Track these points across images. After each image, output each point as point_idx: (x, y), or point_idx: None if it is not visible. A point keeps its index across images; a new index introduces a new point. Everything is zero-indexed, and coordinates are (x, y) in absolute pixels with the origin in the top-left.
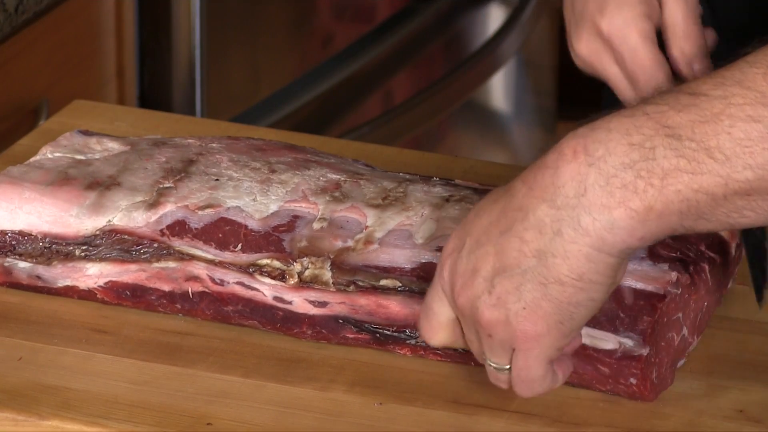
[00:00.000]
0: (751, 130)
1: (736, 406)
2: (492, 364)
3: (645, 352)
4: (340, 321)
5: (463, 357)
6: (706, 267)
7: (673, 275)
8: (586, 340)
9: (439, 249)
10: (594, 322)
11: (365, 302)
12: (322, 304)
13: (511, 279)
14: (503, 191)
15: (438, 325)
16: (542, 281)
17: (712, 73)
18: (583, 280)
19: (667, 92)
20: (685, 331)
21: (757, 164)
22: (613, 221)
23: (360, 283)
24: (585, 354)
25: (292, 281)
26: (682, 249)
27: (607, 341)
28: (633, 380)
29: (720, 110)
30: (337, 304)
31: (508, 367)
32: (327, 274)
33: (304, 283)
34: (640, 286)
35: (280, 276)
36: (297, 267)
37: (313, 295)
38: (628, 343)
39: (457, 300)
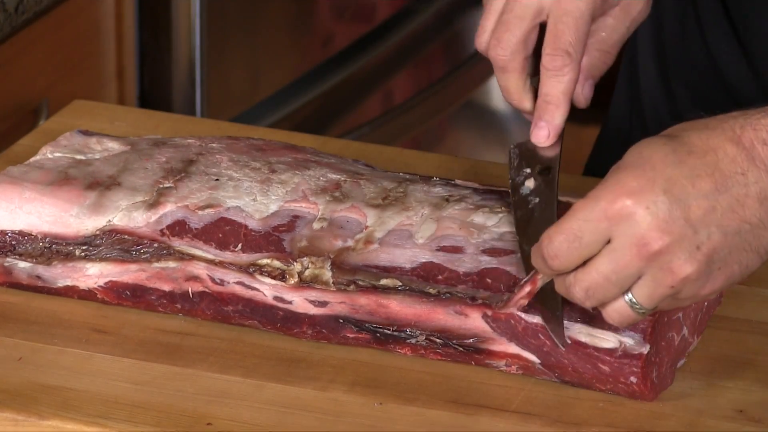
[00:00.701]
0: None
1: (736, 406)
2: (637, 307)
3: (645, 350)
4: (341, 321)
5: (463, 357)
6: None
7: None
8: (586, 339)
9: (440, 249)
10: (594, 321)
11: (365, 302)
12: (323, 304)
13: (723, 239)
14: (699, 147)
15: (579, 256)
16: (747, 248)
17: None
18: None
19: None
20: (685, 331)
21: None
22: None
23: (360, 283)
24: (585, 353)
25: (292, 281)
26: None
27: (608, 340)
28: (633, 379)
29: None
30: (338, 303)
31: (651, 311)
32: (327, 274)
33: (304, 283)
34: None
35: (281, 276)
36: (297, 267)
37: (314, 295)
38: (629, 341)
39: (649, 244)
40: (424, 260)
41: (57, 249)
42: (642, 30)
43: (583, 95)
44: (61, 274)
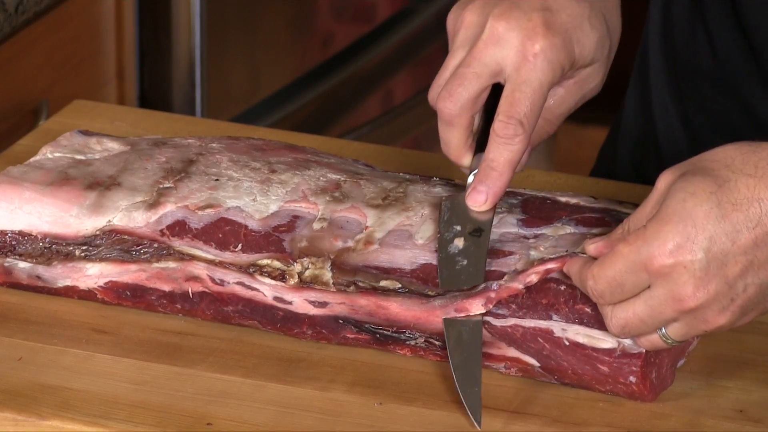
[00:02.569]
0: None
1: (736, 406)
2: (670, 340)
3: (644, 350)
4: (341, 321)
5: None
6: None
7: None
8: (584, 340)
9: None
10: (593, 322)
11: (365, 303)
12: (323, 305)
13: (758, 289)
14: (746, 198)
15: (620, 298)
16: None
17: None
18: None
19: None
20: None
21: None
22: None
23: (360, 284)
24: (584, 354)
25: (292, 281)
26: None
27: (606, 341)
28: (632, 379)
29: None
30: (337, 304)
31: (681, 342)
32: (327, 275)
33: (304, 284)
34: None
35: (281, 276)
36: (297, 267)
37: (313, 296)
38: (627, 342)
39: (684, 300)
40: (423, 261)
41: (57, 249)
42: (653, 34)
43: (521, 163)
44: (61, 274)
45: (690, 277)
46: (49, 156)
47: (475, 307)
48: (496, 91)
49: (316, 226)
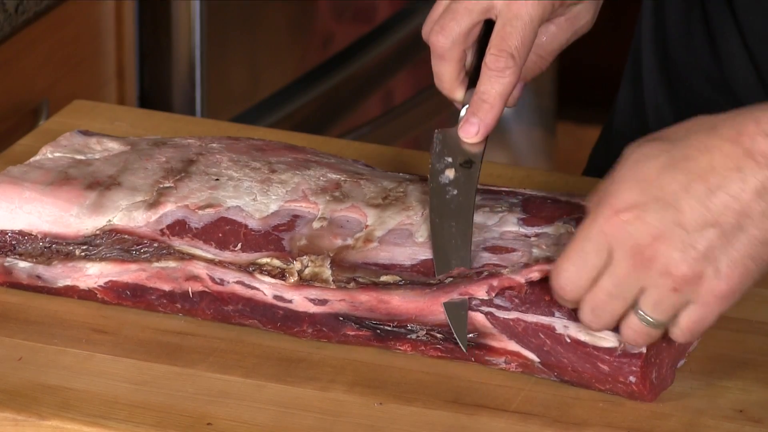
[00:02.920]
0: None
1: (736, 406)
2: (649, 319)
3: (644, 349)
4: (341, 318)
5: (463, 355)
6: None
7: None
8: (585, 338)
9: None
10: None
11: (366, 298)
12: (323, 302)
13: (721, 235)
14: (697, 150)
15: (586, 278)
16: (754, 242)
17: None
18: None
19: None
20: None
21: None
22: None
23: (360, 280)
24: (585, 352)
25: (292, 279)
26: None
27: (607, 339)
28: (632, 378)
29: None
30: (338, 301)
31: (665, 323)
32: (327, 272)
33: (303, 281)
34: None
35: (280, 274)
36: (297, 265)
37: (313, 293)
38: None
39: (643, 251)
40: (424, 258)
41: (57, 249)
42: (645, 32)
43: (513, 96)
44: (61, 274)
45: (645, 227)
46: (49, 156)
47: (480, 293)
48: (489, 29)
49: (316, 225)
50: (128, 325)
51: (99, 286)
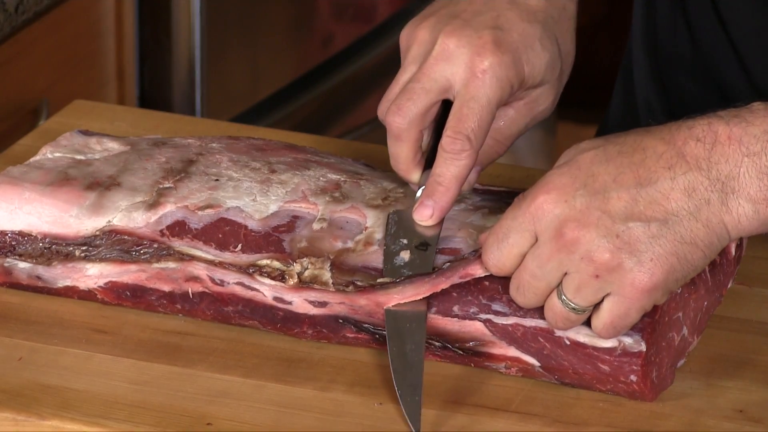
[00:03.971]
0: None
1: (736, 406)
2: (568, 302)
3: (644, 348)
4: (340, 321)
5: (462, 359)
6: (707, 267)
7: None
8: (585, 339)
9: (439, 251)
10: None
11: (365, 302)
12: (322, 304)
13: (646, 228)
14: (630, 147)
15: (509, 256)
16: (679, 239)
17: None
18: (710, 249)
19: None
20: (685, 330)
21: None
22: (756, 212)
23: (359, 283)
24: (585, 352)
25: (291, 281)
26: None
27: (607, 339)
28: (633, 377)
29: None
30: (337, 304)
31: (587, 308)
32: (326, 275)
33: (303, 284)
34: None
35: (280, 276)
36: (297, 267)
37: (313, 295)
38: (628, 340)
39: (565, 234)
40: None
41: (57, 249)
42: (635, 30)
43: (468, 181)
44: (61, 275)
45: (570, 210)
46: (49, 156)
47: (479, 271)
48: (447, 109)
49: (316, 226)
50: (128, 325)
51: (99, 286)
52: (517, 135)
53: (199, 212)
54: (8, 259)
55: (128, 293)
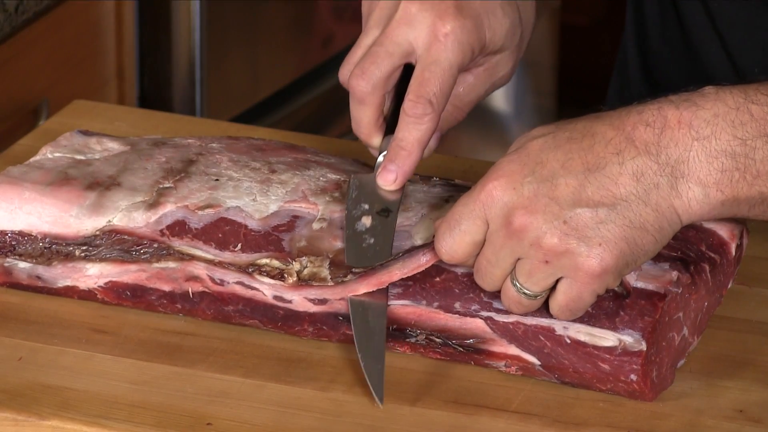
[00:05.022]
0: None
1: (736, 406)
2: (522, 289)
3: (645, 347)
4: (340, 318)
5: (462, 356)
6: (707, 267)
7: (674, 274)
8: (585, 338)
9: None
10: (594, 320)
11: (365, 289)
12: (322, 302)
13: (594, 214)
14: (580, 133)
15: (461, 243)
16: (628, 224)
17: None
18: (660, 234)
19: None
20: (685, 331)
21: None
22: (706, 196)
23: (356, 271)
24: (585, 352)
25: (291, 280)
26: (683, 249)
27: (607, 338)
28: (633, 377)
29: None
30: (337, 301)
31: (539, 294)
32: (325, 272)
33: (302, 281)
34: (640, 285)
35: (279, 275)
36: (296, 266)
37: (313, 293)
38: (628, 339)
39: (514, 221)
40: None
41: (57, 249)
42: (628, 23)
43: (429, 147)
44: (61, 275)
45: (518, 198)
46: (49, 156)
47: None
48: (408, 74)
49: (316, 226)
50: (128, 325)
51: (99, 286)
52: (476, 101)
53: (199, 212)
54: (8, 259)
55: (128, 293)
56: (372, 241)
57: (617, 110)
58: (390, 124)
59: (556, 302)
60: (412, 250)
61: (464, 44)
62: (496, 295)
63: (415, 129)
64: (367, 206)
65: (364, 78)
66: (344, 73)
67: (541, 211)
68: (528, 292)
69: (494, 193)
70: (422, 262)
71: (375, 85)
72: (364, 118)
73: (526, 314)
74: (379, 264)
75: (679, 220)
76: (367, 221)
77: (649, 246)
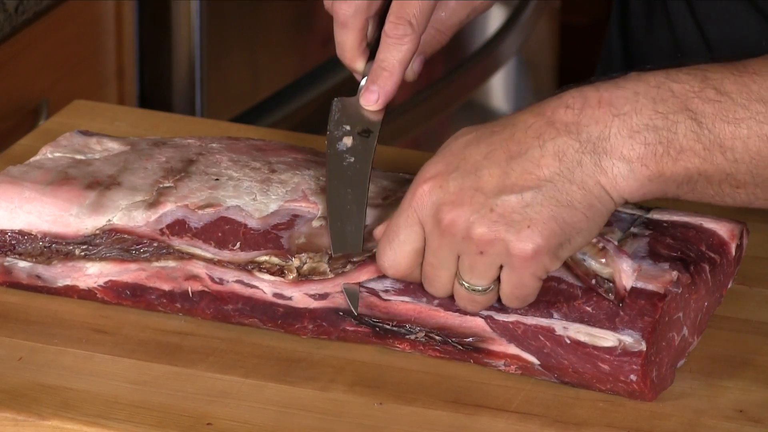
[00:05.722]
0: (764, 149)
1: (736, 406)
2: (470, 287)
3: (645, 347)
4: (341, 313)
5: (461, 355)
6: (707, 267)
7: (674, 274)
8: (585, 338)
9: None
10: (594, 321)
11: (366, 277)
12: (323, 296)
13: (520, 198)
14: (501, 125)
15: (402, 254)
16: (555, 203)
17: (733, 68)
18: (591, 211)
19: (691, 74)
20: (685, 331)
21: (758, 174)
22: (631, 171)
23: (356, 260)
24: (585, 352)
25: (290, 276)
26: (683, 249)
27: (607, 339)
28: (633, 377)
29: (742, 118)
30: (338, 294)
31: (487, 288)
32: (324, 266)
33: (302, 277)
34: (640, 285)
35: (279, 272)
36: (295, 262)
37: (313, 288)
38: (628, 340)
39: (443, 218)
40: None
41: (57, 248)
42: (614, 14)
43: (413, 69)
44: (60, 274)
45: (445, 195)
46: (49, 156)
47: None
48: (390, 2)
49: (316, 224)
50: (128, 325)
51: (99, 285)
52: (459, 26)
53: (199, 211)
54: (8, 259)
55: (128, 292)
56: (352, 160)
57: (545, 99)
58: (373, 51)
59: (503, 292)
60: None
61: None
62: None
63: (396, 50)
64: (348, 127)
65: (346, 2)
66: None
67: (467, 203)
68: (476, 287)
69: (423, 196)
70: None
71: (358, 9)
72: (348, 41)
73: (487, 310)
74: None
75: (610, 197)
76: (348, 141)
77: (581, 224)
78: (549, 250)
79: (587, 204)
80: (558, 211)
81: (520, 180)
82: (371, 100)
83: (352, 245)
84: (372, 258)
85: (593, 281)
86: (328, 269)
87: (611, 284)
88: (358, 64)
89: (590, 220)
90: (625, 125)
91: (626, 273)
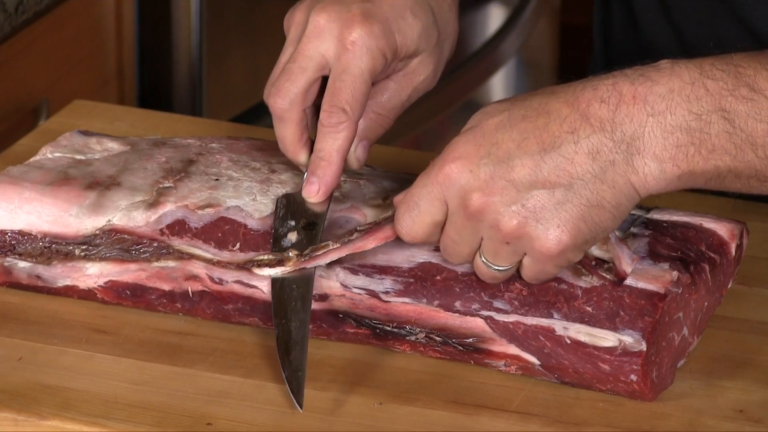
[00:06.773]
0: None
1: (736, 406)
2: (492, 266)
3: (645, 348)
4: (340, 315)
5: (462, 355)
6: (707, 267)
7: (674, 274)
8: (585, 339)
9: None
10: (594, 321)
11: (373, 245)
12: (323, 298)
13: (551, 195)
14: (535, 111)
15: (421, 224)
16: (585, 203)
17: (765, 62)
18: (618, 210)
19: (725, 70)
20: (685, 331)
21: None
22: (662, 171)
23: (360, 229)
24: (585, 352)
25: (290, 264)
26: (683, 249)
27: (607, 339)
28: (633, 377)
29: None
30: (337, 297)
31: (509, 268)
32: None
33: (304, 257)
34: (641, 285)
35: (278, 263)
36: (293, 256)
37: (314, 288)
38: (628, 340)
39: (471, 203)
40: (422, 260)
41: (57, 249)
42: (596, 16)
43: (356, 156)
44: (60, 274)
45: (474, 180)
46: (49, 156)
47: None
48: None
49: None
50: (128, 325)
51: (99, 285)
52: (401, 108)
53: (199, 211)
54: (8, 259)
55: (128, 292)
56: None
57: (572, 85)
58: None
59: (524, 274)
60: (373, 225)
61: (373, 50)
62: (497, 294)
63: (332, 139)
64: (293, 222)
65: (280, 95)
66: (265, 93)
67: (498, 193)
68: (499, 267)
69: (451, 175)
70: (390, 234)
71: (292, 102)
72: (287, 135)
73: (487, 311)
74: (356, 229)
75: (637, 195)
76: (293, 237)
77: (608, 222)
78: (574, 247)
79: (616, 203)
80: (588, 211)
81: (552, 175)
82: (312, 191)
83: (297, 342)
84: (378, 225)
85: (593, 263)
86: (331, 244)
87: (611, 264)
88: (301, 157)
89: (616, 218)
90: (659, 125)
91: (626, 260)
